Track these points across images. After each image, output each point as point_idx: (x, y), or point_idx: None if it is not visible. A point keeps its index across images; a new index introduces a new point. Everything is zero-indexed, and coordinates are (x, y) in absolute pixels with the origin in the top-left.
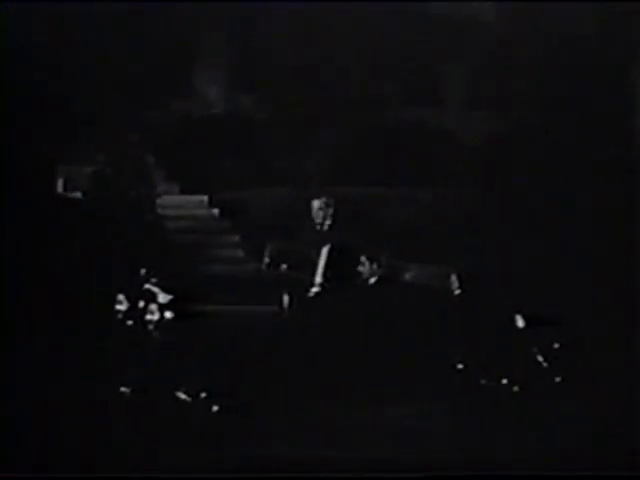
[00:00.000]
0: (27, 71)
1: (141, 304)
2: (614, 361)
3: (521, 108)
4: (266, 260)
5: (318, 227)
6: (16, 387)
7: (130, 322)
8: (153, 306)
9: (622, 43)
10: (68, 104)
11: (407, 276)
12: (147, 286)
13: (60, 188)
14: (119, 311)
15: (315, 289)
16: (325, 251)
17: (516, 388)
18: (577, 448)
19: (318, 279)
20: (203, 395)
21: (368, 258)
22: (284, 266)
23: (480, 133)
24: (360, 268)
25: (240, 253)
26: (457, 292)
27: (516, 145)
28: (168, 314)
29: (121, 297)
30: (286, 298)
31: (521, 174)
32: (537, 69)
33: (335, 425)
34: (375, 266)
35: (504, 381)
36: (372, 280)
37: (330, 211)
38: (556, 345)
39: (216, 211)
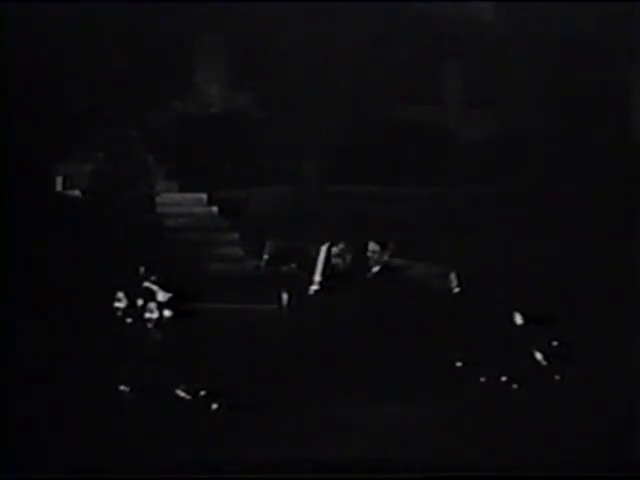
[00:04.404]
0: (27, 70)
1: (140, 302)
2: (614, 360)
3: (521, 108)
4: (265, 257)
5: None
6: (15, 386)
7: (129, 320)
8: (152, 304)
9: (622, 43)
10: (68, 103)
11: (406, 274)
12: (146, 284)
13: (59, 186)
14: (118, 309)
15: (314, 287)
16: (324, 249)
17: (515, 386)
18: (577, 447)
19: (317, 277)
20: (202, 393)
21: (378, 243)
22: (292, 265)
23: (480, 132)
24: (369, 254)
25: (239, 251)
26: (456, 290)
27: (516, 145)
28: (167, 312)
29: (120, 295)
30: (285, 296)
31: (521, 173)
32: (537, 69)
33: (335, 425)
34: (383, 254)
35: (503, 379)
36: (375, 269)
37: (349, 258)
38: (555, 343)
39: (215, 209)
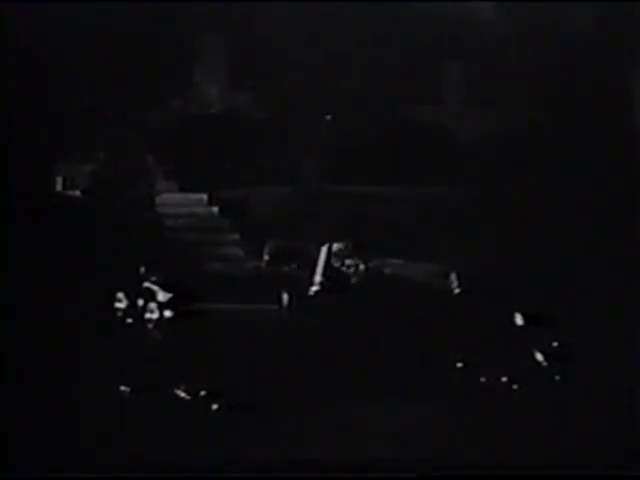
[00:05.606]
0: (27, 70)
1: (140, 302)
2: (614, 361)
3: (521, 108)
4: (265, 258)
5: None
6: (15, 386)
7: (129, 320)
8: (152, 304)
9: (622, 43)
10: (67, 103)
11: (406, 275)
12: (146, 284)
13: (59, 186)
14: (118, 309)
15: (315, 288)
16: (324, 250)
17: (515, 386)
18: (577, 447)
19: (318, 278)
20: (202, 393)
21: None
22: (292, 265)
23: (479, 132)
24: (345, 266)
25: (240, 251)
26: (457, 291)
27: (516, 144)
28: (167, 312)
29: (120, 295)
30: (286, 297)
31: (521, 173)
32: (537, 69)
33: (335, 425)
34: (357, 265)
35: (503, 379)
36: (354, 280)
37: (348, 253)
38: (555, 344)
39: (215, 209)
